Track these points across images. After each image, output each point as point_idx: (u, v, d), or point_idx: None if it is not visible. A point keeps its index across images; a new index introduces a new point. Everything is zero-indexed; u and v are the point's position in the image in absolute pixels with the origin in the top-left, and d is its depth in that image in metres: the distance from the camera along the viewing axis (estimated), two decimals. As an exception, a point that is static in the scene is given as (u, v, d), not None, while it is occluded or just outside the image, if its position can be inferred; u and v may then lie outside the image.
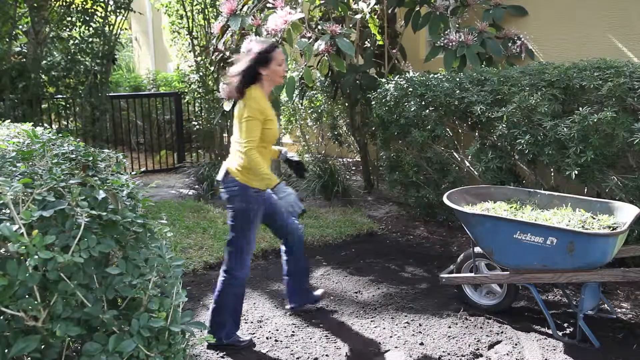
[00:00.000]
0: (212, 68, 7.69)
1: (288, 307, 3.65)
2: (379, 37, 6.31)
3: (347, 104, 6.65)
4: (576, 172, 3.64)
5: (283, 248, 3.55)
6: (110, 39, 7.30)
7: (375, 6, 5.89)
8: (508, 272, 3.30)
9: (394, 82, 4.97)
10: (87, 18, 7.07)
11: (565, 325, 3.34)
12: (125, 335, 1.51)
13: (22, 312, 1.42)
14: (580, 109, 3.70)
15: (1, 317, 1.42)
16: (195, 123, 8.22)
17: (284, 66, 3.17)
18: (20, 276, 1.39)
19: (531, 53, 5.51)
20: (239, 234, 3.13)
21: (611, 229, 3.07)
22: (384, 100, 5.02)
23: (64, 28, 7.09)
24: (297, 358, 3.03)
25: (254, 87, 3.07)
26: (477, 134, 4.58)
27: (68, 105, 7.63)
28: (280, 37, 4.92)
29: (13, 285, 1.40)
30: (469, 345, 3.10)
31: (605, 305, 3.44)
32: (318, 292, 3.71)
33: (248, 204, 3.10)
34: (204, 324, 1.74)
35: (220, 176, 3.22)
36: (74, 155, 2.31)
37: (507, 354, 3.02)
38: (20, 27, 6.96)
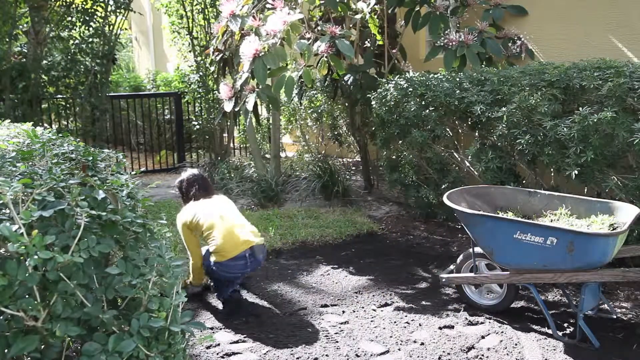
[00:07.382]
0: (212, 68, 7.70)
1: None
2: (379, 37, 6.31)
3: (347, 104, 6.65)
4: (576, 172, 3.64)
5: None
6: (110, 39, 7.31)
7: (375, 6, 5.88)
8: (508, 272, 3.30)
9: (394, 82, 4.97)
10: (87, 18, 7.07)
11: (565, 325, 3.34)
12: (125, 335, 1.51)
13: (22, 312, 1.42)
14: (580, 109, 3.70)
15: (1, 317, 1.42)
16: (195, 123, 8.22)
17: None
18: (20, 276, 1.39)
19: (531, 53, 5.51)
20: None
21: (611, 229, 3.07)
22: (384, 100, 5.02)
23: (64, 28, 7.09)
24: (297, 358, 3.03)
25: None
26: (477, 134, 4.58)
27: (68, 105, 7.63)
28: (279, 37, 4.91)
29: (13, 285, 1.40)
30: (469, 345, 3.10)
31: (605, 305, 3.44)
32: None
33: None
34: (203, 324, 1.74)
35: None
36: (74, 155, 2.31)
37: (507, 354, 3.02)
38: (20, 27, 6.97)
